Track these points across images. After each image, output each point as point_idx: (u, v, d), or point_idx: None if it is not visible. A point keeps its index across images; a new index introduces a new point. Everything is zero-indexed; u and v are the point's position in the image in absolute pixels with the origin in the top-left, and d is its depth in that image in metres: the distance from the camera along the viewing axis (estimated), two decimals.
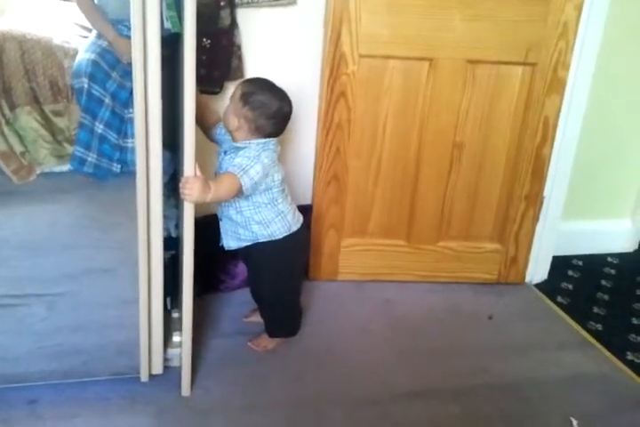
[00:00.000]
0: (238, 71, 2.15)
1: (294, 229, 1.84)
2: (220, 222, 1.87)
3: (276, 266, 1.86)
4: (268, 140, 1.74)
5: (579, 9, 2.10)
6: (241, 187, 1.66)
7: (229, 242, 1.86)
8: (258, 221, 1.78)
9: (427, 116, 2.19)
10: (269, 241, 1.80)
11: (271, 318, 1.96)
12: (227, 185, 1.66)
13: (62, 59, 1.85)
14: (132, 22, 1.40)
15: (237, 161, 1.69)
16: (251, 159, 1.68)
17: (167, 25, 1.51)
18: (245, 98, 1.72)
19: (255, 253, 1.85)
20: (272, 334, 1.97)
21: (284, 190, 1.82)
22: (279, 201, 1.79)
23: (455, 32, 2.09)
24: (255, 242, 1.81)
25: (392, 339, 2.08)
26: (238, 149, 1.73)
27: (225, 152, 1.79)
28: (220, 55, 2.06)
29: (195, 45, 1.43)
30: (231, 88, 2.14)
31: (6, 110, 1.82)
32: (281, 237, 1.81)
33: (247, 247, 1.84)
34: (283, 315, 1.97)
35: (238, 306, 2.14)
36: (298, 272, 1.99)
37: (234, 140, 1.76)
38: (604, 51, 2.23)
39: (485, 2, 2.06)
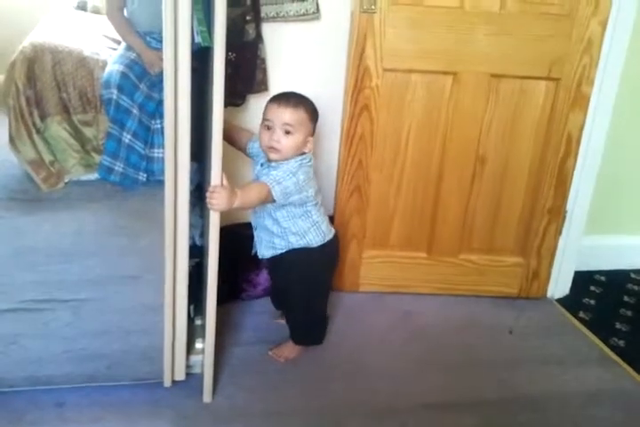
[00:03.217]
0: (262, 84, 2.18)
1: (328, 238, 1.88)
2: (255, 231, 1.91)
3: (310, 273, 1.89)
4: (305, 155, 1.78)
5: (603, 25, 2.11)
6: (271, 195, 1.69)
7: (263, 251, 1.90)
8: (294, 231, 1.82)
9: (449, 130, 2.21)
10: (303, 248, 1.84)
11: (299, 326, 1.98)
12: (254, 193, 1.69)
13: (92, 70, 1.89)
14: (163, 37, 1.43)
15: (273, 173, 1.72)
16: (287, 173, 1.72)
17: (197, 39, 1.54)
18: (316, 116, 1.80)
19: (288, 261, 1.87)
20: (298, 342, 1.98)
21: (317, 203, 1.85)
22: (312, 213, 1.83)
23: (479, 46, 2.10)
24: (290, 248, 1.85)
25: (411, 351, 2.07)
26: (278, 165, 1.76)
27: (261, 164, 1.82)
28: (244, 68, 2.10)
29: (224, 59, 1.46)
30: (253, 101, 2.18)
31: (37, 120, 1.86)
32: (316, 245, 1.85)
33: (280, 255, 1.87)
34: (311, 322, 1.98)
35: (260, 315, 2.16)
36: (328, 281, 2.00)
37: (272, 159, 1.78)
38: (628, 66, 2.23)
39: (509, 17, 2.08)
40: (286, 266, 1.90)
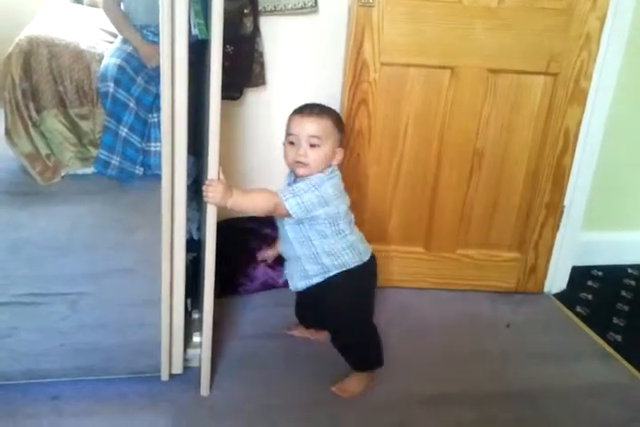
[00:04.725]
0: (260, 78, 2.18)
1: (365, 258, 1.75)
2: (286, 263, 1.80)
3: (354, 298, 1.75)
4: (331, 167, 1.67)
5: (602, 20, 2.11)
6: (284, 208, 1.58)
7: (296, 283, 1.77)
8: (328, 251, 1.68)
9: (447, 124, 2.20)
10: (342, 272, 1.70)
11: (355, 352, 1.83)
12: (257, 199, 1.61)
13: (89, 63, 1.89)
14: (160, 29, 1.42)
15: (295, 185, 1.62)
16: (309, 186, 1.60)
17: (194, 32, 1.53)
18: (342, 125, 1.70)
19: (328, 288, 1.73)
20: (360, 368, 1.83)
21: (350, 221, 1.72)
22: (347, 233, 1.70)
23: (477, 41, 2.10)
24: (327, 276, 1.71)
25: (409, 345, 2.08)
26: (303, 179, 1.65)
27: (288, 184, 1.70)
28: (241, 61, 2.09)
29: (221, 52, 1.45)
30: (251, 95, 2.18)
31: (33, 113, 1.86)
32: (354, 266, 1.71)
33: (316, 285, 1.73)
34: (367, 345, 1.83)
35: (257, 309, 2.16)
36: (371, 300, 1.84)
37: (300, 175, 1.66)
38: (626, 62, 2.22)
39: (508, 12, 2.07)
40: (325, 295, 1.75)
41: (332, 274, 1.71)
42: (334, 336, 1.84)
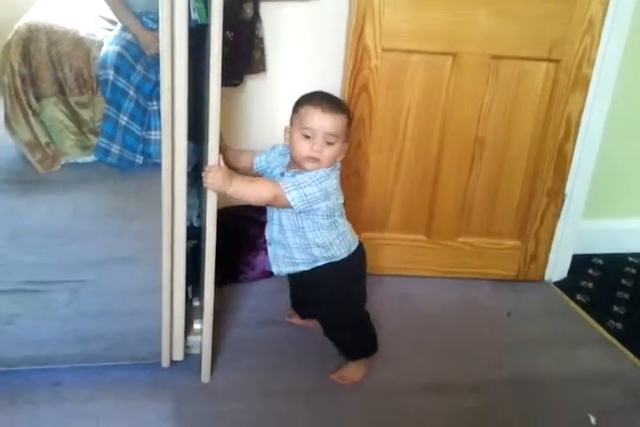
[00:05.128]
0: (260, 64, 2.17)
1: (353, 248, 1.74)
2: (269, 248, 1.77)
3: (340, 290, 1.75)
4: (337, 161, 1.65)
5: (604, 5, 2.09)
6: (286, 200, 1.56)
7: (282, 268, 1.75)
8: (319, 243, 1.67)
9: (449, 111, 2.19)
10: (329, 263, 1.70)
11: (347, 343, 1.84)
12: (256, 188, 1.59)
13: (88, 51, 1.88)
14: (160, 13, 1.41)
15: (299, 177, 1.59)
16: (312, 179, 1.57)
17: (194, 16, 1.52)
18: (351, 119, 1.66)
19: (315, 278, 1.73)
20: (354, 358, 1.84)
21: (343, 213, 1.72)
22: (339, 222, 1.69)
23: (479, 27, 2.08)
24: (314, 266, 1.71)
25: (410, 333, 2.08)
26: (306, 171, 1.62)
27: (282, 174, 1.67)
28: (241, 47, 2.08)
29: (221, 37, 1.44)
30: (251, 82, 2.17)
31: (33, 101, 1.85)
32: (340, 258, 1.70)
33: (303, 273, 1.73)
34: (358, 335, 1.84)
35: (258, 296, 2.16)
36: (362, 290, 1.82)
37: (306, 168, 1.61)
38: (629, 48, 2.20)
39: None
40: (312, 285, 1.76)
41: (319, 264, 1.70)
42: (324, 327, 1.83)
